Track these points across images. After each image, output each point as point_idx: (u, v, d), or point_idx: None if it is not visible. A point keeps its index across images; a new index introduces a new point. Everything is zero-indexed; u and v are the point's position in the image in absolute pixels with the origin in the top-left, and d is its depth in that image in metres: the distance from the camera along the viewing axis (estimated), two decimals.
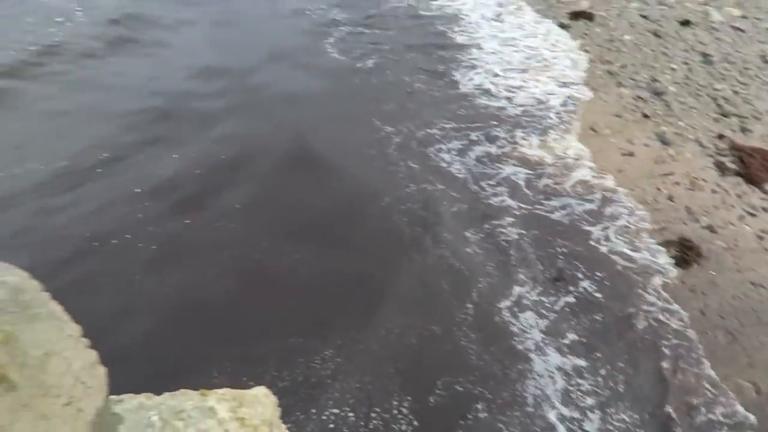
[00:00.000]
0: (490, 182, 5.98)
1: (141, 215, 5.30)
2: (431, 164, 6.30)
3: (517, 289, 4.76)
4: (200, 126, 6.77)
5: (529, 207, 5.65)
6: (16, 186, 5.56)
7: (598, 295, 4.72)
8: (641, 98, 7.55)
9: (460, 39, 9.09)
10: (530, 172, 6.14)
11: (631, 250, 5.15)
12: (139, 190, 5.59)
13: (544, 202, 5.71)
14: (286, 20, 9.82)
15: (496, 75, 8.08)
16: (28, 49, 8.44)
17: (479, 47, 8.78)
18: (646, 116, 7.17)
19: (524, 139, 6.68)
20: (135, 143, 6.32)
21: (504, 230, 5.34)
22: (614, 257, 5.09)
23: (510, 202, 5.65)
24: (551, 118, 7.11)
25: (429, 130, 6.89)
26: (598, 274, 4.92)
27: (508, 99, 7.52)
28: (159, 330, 4.29)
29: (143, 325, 4.27)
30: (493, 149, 6.52)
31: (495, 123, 7.04)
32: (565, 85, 7.83)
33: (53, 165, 5.90)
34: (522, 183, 5.94)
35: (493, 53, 8.64)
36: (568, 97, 7.56)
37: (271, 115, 7.07)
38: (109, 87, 7.63)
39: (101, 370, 1.79)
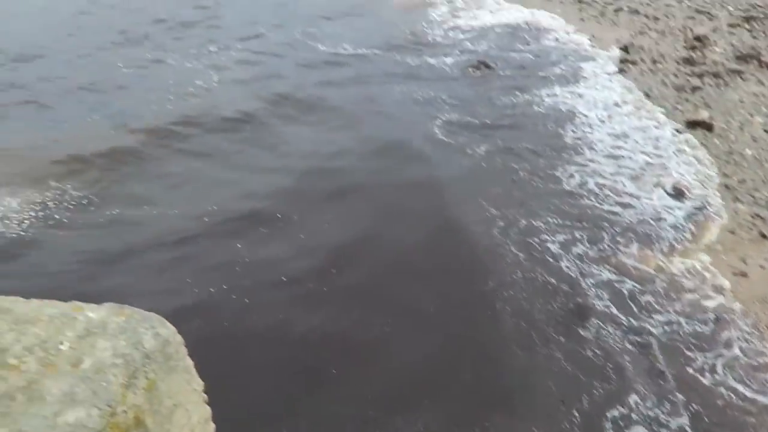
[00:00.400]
0: (595, 285, 5.79)
1: (245, 279, 5.65)
2: (534, 254, 6.24)
3: (625, 401, 4.53)
4: (321, 203, 7.14)
5: (632, 318, 5.39)
6: (136, 243, 6.18)
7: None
8: (760, 216, 7.12)
9: (571, 137, 9.08)
10: (635, 282, 5.88)
11: (742, 385, 4.72)
12: (248, 259, 5.99)
13: (652, 315, 5.42)
14: (411, 107, 10.13)
15: (605, 177, 7.96)
16: (165, 113, 9.35)
17: (591, 147, 8.72)
18: (763, 236, 6.73)
19: (627, 247, 6.47)
20: (252, 214, 6.79)
21: (606, 338, 5.11)
22: (720, 389, 4.68)
23: (614, 309, 5.41)
24: (664, 229, 6.84)
25: (532, 221, 6.89)
26: (695, 405, 4.55)
27: (618, 204, 7.36)
28: (239, 381, 4.44)
29: (229, 378, 4.44)
30: (597, 252, 6.36)
31: (601, 226, 6.89)
32: (679, 195, 7.55)
33: (168, 226, 6.54)
34: (626, 292, 5.70)
35: (605, 155, 8.53)
36: (682, 209, 7.27)
37: (385, 195, 7.38)
38: (236, 159, 8.24)
39: (212, 427, 1.87)
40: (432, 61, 12.07)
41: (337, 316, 5.19)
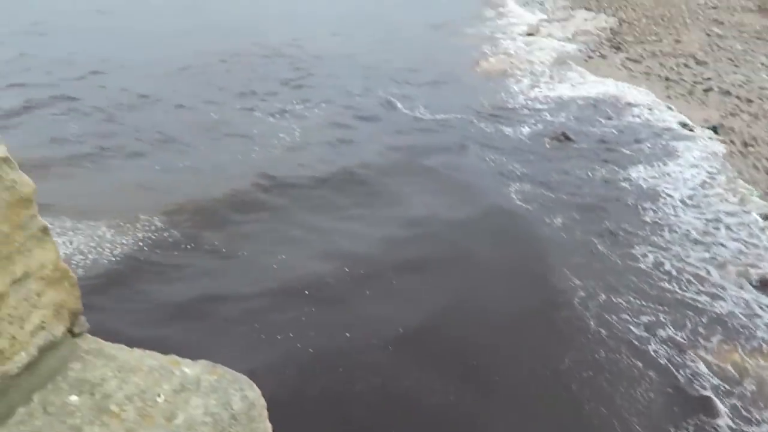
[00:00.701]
0: (684, 376, 5.48)
1: (317, 339, 5.77)
2: (616, 333, 6.05)
3: None
4: (397, 269, 7.19)
5: (727, 419, 5.01)
6: (215, 290, 6.48)
7: None
8: None
9: (651, 216, 8.79)
10: (723, 380, 5.49)
11: None
12: (322, 320, 6.13)
13: (745, 421, 5.02)
14: (491, 176, 10.11)
15: (686, 261, 7.62)
16: (252, 165, 9.82)
17: (672, 229, 8.38)
18: None
19: (709, 340, 6.10)
20: (332, 275, 6.92)
21: None
22: None
23: (707, 406, 5.08)
24: (758, 327, 6.42)
25: (612, 297, 6.73)
26: None
27: (701, 292, 7.00)
28: None
29: None
30: (681, 340, 6.07)
31: (683, 313, 6.59)
32: (766, 287, 7.07)
33: (247, 278, 6.79)
34: (716, 388, 5.34)
35: (687, 238, 8.19)
36: None
37: (463, 264, 7.38)
38: (316, 217, 8.41)
39: None
40: (512, 130, 12.14)
41: (405, 381, 5.18)
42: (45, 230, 1.64)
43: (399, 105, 13.36)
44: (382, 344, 5.63)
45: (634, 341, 5.99)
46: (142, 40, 18.59)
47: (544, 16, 23.78)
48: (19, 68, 14.81)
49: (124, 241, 7.63)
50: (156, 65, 15.59)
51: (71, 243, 7.54)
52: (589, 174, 10.25)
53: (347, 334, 5.76)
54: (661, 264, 7.57)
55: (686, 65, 16.08)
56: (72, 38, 18.39)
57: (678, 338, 6.14)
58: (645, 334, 6.14)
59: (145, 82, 14.14)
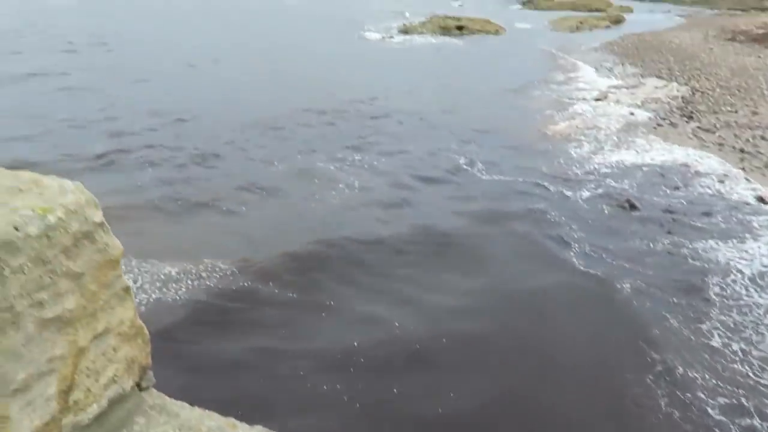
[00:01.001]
0: None
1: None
2: (692, 416, 5.82)
3: None
4: (462, 345, 7.03)
5: None
6: (276, 349, 6.58)
7: None
8: None
9: (719, 293, 8.38)
10: None
11: None
12: (385, 396, 6.06)
13: None
14: (554, 244, 9.89)
15: (757, 347, 7.18)
16: (314, 228, 9.90)
17: (745, 311, 7.92)
18: None
19: None
20: (398, 351, 6.82)
21: None
22: None
23: None
24: None
25: (688, 372, 6.58)
26: None
27: None
28: None
29: None
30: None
31: (763, 401, 6.23)
32: None
33: (304, 338, 6.88)
34: None
35: (762, 323, 7.70)
36: None
37: (534, 338, 7.28)
38: (374, 286, 8.31)
39: None
40: (578, 195, 11.91)
41: None
42: (127, 290, 1.77)
43: (464, 166, 13.37)
44: (435, 413, 5.53)
45: (714, 427, 5.81)
46: (226, 93, 19.69)
47: (614, 82, 23.67)
48: (110, 115, 15.97)
49: (189, 283, 7.90)
50: (235, 117, 16.35)
51: (135, 282, 7.82)
52: (651, 245, 9.92)
53: (397, 394, 5.69)
54: (729, 345, 7.25)
55: (763, 138, 15.49)
56: (162, 88, 19.74)
57: (758, 427, 5.83)
58: (722, 418, 5.92)
59: (223, 133, 14.84)
